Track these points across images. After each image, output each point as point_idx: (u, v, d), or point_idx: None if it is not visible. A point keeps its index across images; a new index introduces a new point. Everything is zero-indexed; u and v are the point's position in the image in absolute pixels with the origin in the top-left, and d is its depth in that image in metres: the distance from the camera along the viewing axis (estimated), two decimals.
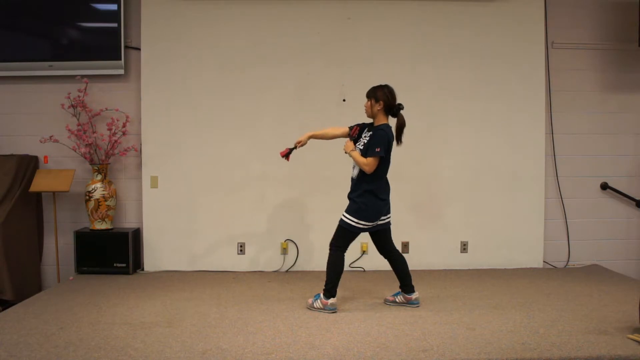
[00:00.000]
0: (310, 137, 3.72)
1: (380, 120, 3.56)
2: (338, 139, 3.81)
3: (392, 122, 3.57)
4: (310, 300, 3.71)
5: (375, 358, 2.79)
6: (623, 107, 5.05)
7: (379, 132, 3.50)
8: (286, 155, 3.74)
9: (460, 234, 4.91)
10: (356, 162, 3.53)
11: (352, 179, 3.62)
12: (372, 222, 3.54)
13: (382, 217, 3.60)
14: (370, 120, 3.66)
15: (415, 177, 4.86)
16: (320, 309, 3.61)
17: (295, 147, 3.73)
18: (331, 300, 3.59)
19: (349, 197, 3.60)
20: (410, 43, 4.82)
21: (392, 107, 3.53)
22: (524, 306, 3.69)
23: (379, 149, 3.43)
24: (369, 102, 3.58)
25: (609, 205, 5.08)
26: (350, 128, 3.70)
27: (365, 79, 4.75)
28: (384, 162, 3.52)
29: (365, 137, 3.56)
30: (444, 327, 3.26)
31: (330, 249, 3.60)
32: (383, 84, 3.59)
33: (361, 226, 3.53)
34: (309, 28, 4.79)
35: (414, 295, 3.71)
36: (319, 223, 4.81)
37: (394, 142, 3.55)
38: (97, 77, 4.79)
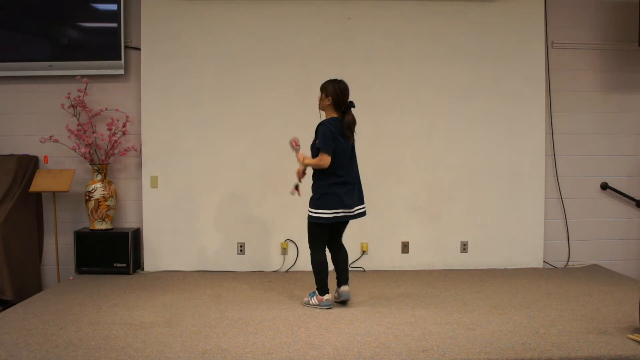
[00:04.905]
0: (306, 164, 3.65)
1: (330, 114, 3.59)
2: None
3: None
4: (306, 298, 3.76)
5: (375, 358, 2.79)
6: (623, 107, 5.05)
7: (319, 128, 3.54)
8: (296, 190, 3.69)
9: (460, 234, 4.91)
10: (314, 167, 3.56)
11: (312, 175, 3.67)
12: (331, 210, 3.53)
13: (342, 209, 3.57)
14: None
15: (415, 177, 4.86)
16: (316, 305, 3.66)
17: (299, 181, 3.69)
18: (326, 297, 3.65)
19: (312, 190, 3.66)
20: (410, 43, 4.82)
21: (341, 105, 3.54)
22: (524, 306, 3.69)
23: (317, 145, 3.50)
24: (320, 96, 3.59)
25: (609, 205, 5.08)
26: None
27: (366, 79, 4.78)
28: (332, 156, 3.52)
29: (316, 146, 3.58)
30: (444, 327, 3.26)
31: (310, 249, 3.67)
32: (338, 78, 3.59)
33: (322, 216, 3.54)
34: (309, 28, 4.79)
35: (342, 288, 3.69)
36: None
37: (343, 137, 3.54)
38: (97, 77, 4.79)
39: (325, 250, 3.68)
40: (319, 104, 3.64)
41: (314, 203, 3.59)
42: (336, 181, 3.55)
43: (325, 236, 3.66)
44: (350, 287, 3.74)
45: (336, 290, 3.76)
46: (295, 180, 3.69)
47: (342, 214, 3.58)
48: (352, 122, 3.55)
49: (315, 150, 3.55)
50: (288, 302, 3.84)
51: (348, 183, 3.58)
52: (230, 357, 2.81)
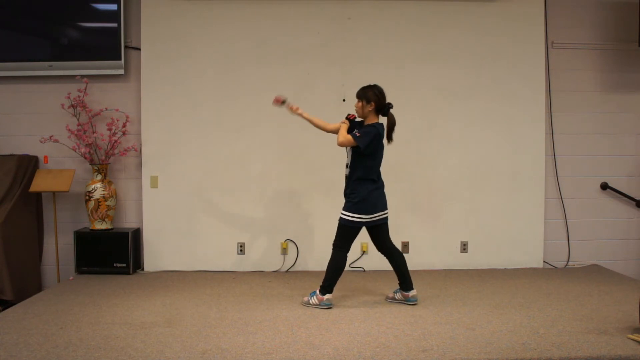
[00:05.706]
0: (304, 116, 3.74)
1: (371, 120, 3.62)
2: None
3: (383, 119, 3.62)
4: (306, 298, 3.76)
5: (375, 358, 2.79)
6: (623, 107, 5.05)
7: (369, 127, 3.56)
8: (280, 102, 3.77)
9: (460, 234, 4.91)
10: (339, 132, 3.59)
11: (346, 177, 3.68)
12: (369, 215, 3.58)
13: (379, 212, 3.62)
14: None
15: (415, 177, 4.86)
16: (316, 305, 3.66)
17: (286, 103, 3.76)
18: (327, 296, 3.66)
19: (345, 194, 3.67)
20: (410, 43, 4.82)
21: (383, 107, 3.60)
22: (524, 306, 3.69)
23: (358, 134, 3.50)
24: (360, 103, 3.62)
25: (609, 205, 5.08)
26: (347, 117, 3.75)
27: (366, 79, 4.75)
28: (371, 157, 3.56)
29: (355, 133, 3.60)
30: (444, 327, 3.26)
31: (333, 249, 3.67)
32: (372, 84, 3.64)
33: (358, 220, 3.57)
34: (309, 28, 4.79)
35: (411, 293, 3.74)
36: (319, 223, 4.81)
37: (385, 141, 3.62)
38: (97, 77, 4.79)
39: (347, 253, 3.68)
40: (360, 112, 3.64)
41: (352, 207, 3.58)
42: (376, 187, 3.62)
43: (353, 239, 3.67)
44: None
45: (399, 292, 3.79)
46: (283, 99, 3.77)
47: (377, 218, 3.62)
48: (395, 122, 3.61)
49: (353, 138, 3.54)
50: (288, 302, 3.84)
51: (382, 186, 3.67)
52: (230, 357, 2.81)
